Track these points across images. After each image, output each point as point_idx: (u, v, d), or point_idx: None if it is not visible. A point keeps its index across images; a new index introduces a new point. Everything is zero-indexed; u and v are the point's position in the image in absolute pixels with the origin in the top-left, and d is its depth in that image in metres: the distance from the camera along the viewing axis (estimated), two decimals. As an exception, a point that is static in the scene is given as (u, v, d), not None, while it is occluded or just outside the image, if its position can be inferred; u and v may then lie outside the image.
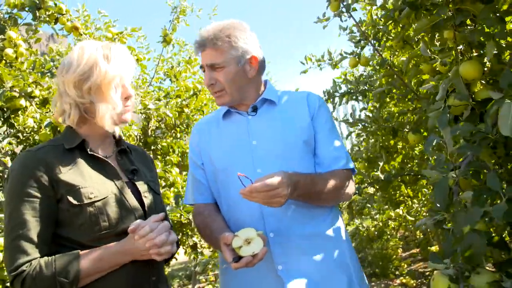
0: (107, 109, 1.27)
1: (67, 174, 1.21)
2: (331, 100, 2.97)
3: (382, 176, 2.47)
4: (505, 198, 0.91)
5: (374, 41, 2.45)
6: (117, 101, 1.29)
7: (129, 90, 1.34)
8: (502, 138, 1.26)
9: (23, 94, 2.59)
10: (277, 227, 1.41)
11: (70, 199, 1.18)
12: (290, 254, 1.39)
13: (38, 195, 1.17)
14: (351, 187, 1.52)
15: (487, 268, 1.06)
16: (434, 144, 1.16)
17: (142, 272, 1.27)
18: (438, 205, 1.19)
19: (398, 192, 3.78)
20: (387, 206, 3.98)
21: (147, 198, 1.37)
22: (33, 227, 1.14)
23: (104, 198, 1.23)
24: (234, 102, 1.53)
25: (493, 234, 1.13)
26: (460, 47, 1.45)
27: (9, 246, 1.14)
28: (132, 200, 1.30)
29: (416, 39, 2.53)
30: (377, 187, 2.76)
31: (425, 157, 3.02)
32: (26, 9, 2.93)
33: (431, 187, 3.59)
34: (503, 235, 1.17)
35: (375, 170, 3.17)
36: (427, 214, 1.27)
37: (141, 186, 1.38)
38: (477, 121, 1.40)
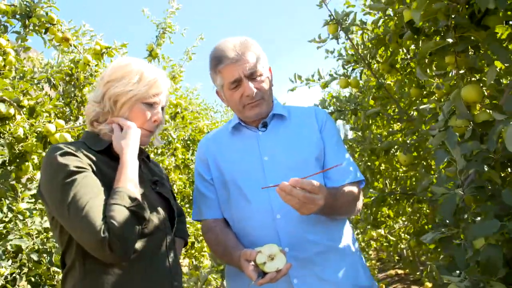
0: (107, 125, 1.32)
1: (103, 168, 1.24)
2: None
3: (377, 194, 2.53)
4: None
5: (368, 63, 2.53)
6: (125, 120, 1.31)
7: (159, 115, 1.36)
8: (502, 158, 1.33)
9: (12, 102, 2.53)
10: (292, 241, 1.41)
11: None
12: (305, 267, 1.40)
13: (86, 167, 1.17)
14: (361, 200, 1.54)
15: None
16: (445, 160, 1.22)
17: (164, 279, 1.27)
18: (446, 219, 1.24)
19: (379, 212, 3.85)
20: (369, 226, 4.05)
21: (175, 206, 1.40)
22: (98, 193, 1.13)
23: None
24: (267, 112, 1.53)
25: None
26: (461, 71, 1.53)
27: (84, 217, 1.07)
28: (158, 206, 1.32)
29: (406, 64, 2.65)
30: (369, 205, 2.81)
31: (410, 178, 3.11)
32: (17, 16, 2.88)
33: (412, 208, 3.69)
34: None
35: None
36: (433, 229, 1.31)
37: (168, 195, 1.41)
38: (478, 142, 1.48)
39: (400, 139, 2.84)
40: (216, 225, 1.53)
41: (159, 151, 5.01)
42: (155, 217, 1.28)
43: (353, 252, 1.51)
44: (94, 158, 1.23)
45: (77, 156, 1.18)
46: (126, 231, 1.08)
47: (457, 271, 1.14)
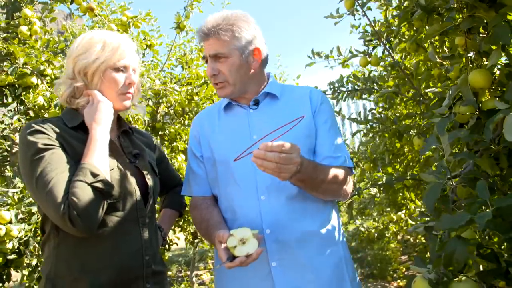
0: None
1: (74, 144, 1.26)
2: (337, 93, 2.93)
3: (384, 179, 2.46)
4: (492, 208, 0.91)
5: (386, 42, 2.42)
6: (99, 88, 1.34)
7: (132, 77, 1.37)
8: (505, 150, 1.25)
9: (35, 72, 2.62)
10: (274, 223, 1.40)
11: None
12: (285, 251, 1.39)
13: (55, 144, 1.20)
14: (350, 186, 1.50)
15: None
16: (431, 148, 1.16)
17: (134, 251, 1.30)
18: (428, 208, 1.19)
19: (400, 195, 3.76)
20: (389, 209, 3.97)
21: (150, 180, 1.41)
22: (65, 169, 1.16)
23: (110, 170, 1.26)
24: (236, 94, 1.51)
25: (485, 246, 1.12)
26: (471, 54, 1.43)
27: (49, 192, 1.11)
28: (132, 180, 1.34)
29: (429, 43, 2.50)
30: (381, 188, 2.75)
31: (426, 162, 3.00)
32: (43, -13, 2.94)
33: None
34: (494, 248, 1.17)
35: (377, 171, 3.16)
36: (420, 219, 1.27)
37: (144, 169, 1.42)
38: (482, 131, 1.39)
39: (419, 121, 2.73)
40: (203, 203, 1.54)
41: (186, 122, 5.06)
42: (127, 191, 1.30)
43: (336, 241, 1.48)
44: (65, 135, 1.26)
45: (46, 133, 1.21)
46: (86, 207, 1.11)
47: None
